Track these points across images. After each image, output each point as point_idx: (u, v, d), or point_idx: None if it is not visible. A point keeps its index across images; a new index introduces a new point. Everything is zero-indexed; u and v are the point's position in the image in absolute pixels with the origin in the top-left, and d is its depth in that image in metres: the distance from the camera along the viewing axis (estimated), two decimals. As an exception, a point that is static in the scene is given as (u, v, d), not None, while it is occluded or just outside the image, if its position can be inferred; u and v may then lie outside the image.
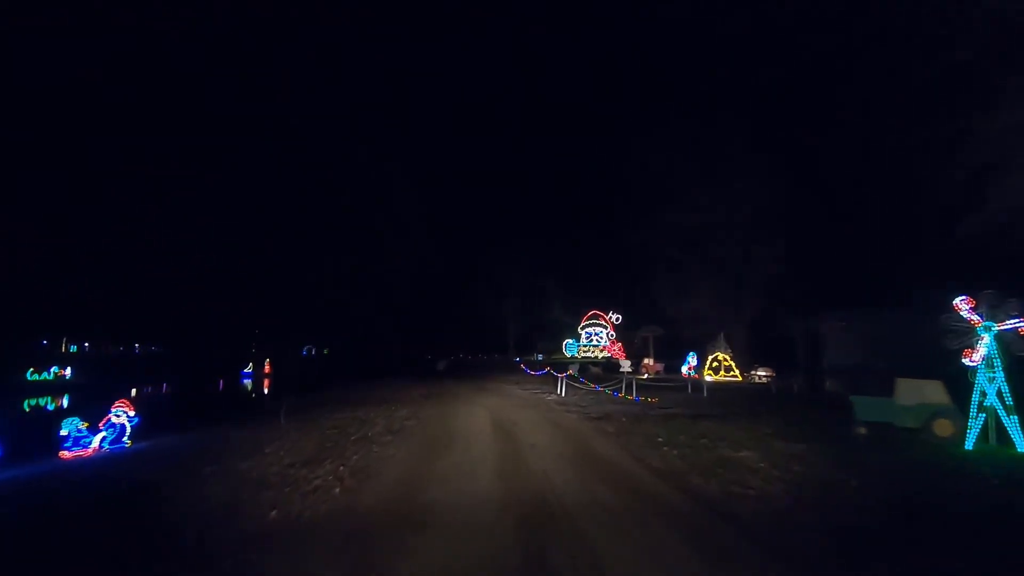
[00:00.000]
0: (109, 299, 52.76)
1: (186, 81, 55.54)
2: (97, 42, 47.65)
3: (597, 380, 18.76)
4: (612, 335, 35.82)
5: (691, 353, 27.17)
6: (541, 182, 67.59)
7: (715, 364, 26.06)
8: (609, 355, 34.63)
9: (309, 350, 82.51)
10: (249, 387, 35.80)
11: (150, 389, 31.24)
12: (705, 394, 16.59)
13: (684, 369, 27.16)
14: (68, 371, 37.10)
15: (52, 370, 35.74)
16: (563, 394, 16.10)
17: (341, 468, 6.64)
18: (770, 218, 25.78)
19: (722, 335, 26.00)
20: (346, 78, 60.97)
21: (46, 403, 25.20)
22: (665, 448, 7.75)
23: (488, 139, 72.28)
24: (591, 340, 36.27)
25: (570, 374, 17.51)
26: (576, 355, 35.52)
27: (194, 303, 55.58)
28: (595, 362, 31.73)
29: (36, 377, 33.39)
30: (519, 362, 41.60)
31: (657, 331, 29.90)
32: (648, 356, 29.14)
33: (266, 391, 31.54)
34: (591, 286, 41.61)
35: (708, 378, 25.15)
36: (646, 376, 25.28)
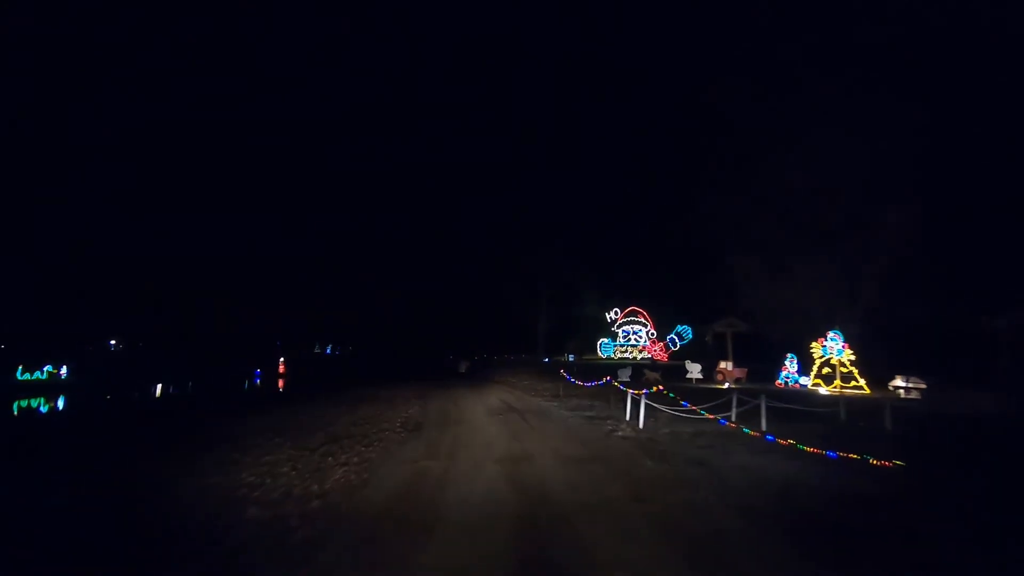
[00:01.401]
0: (127, 298, 50.78)
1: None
2: (117, 37, 44.80)
3: (662, 388, 11.91)
4: (652, 334, 30.77)
5: (790, 355, 20.04)
6: (575, 149, 58.77)
7: (826, 371, 18.88)
8: (650, 356, 29.36)
9: (334, 349, 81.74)
10: (261, 386, 32.54)
11: (173, 389, 27.75)
12: (889, 426, 9.58)
13: (781, 376, 20.06)
14: (63, 369, 34.16)
15: (45, 368, 32.92)
16: (641, 424, 9.34)
17: None
18: (906, 173, 18.30)
19: (837, 332, 18.76)
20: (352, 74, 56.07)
21: (38, 404, 21.47)
22: None
23: (503, 126, 65.44)
24: (628, 339, 31.43)
25: (656, 391, 10.60)
26: (612, 356, 30.44)
27: (220, 300, 53.92)
28: (651, 366, 24.91)
29: (27, 376, 30.39)
30: (548, 362, 35.28)
31: (738, 326, 22.71)
32: (725, 359, 22.07)
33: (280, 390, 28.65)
34: (632, 276, 35.19)
35: (821, 389, 18.24)
36: (726, 385, 18.49)
